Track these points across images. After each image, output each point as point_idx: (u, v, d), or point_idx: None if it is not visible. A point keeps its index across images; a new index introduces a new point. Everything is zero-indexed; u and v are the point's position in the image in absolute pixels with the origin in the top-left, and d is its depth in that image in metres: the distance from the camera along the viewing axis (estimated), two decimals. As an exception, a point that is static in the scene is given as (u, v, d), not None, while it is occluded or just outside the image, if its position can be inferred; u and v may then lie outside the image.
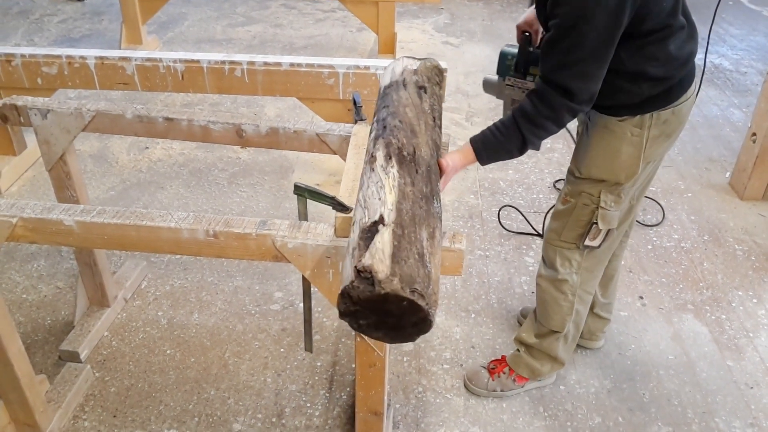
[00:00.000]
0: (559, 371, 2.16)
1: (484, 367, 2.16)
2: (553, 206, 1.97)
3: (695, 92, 1.71)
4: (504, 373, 2.11)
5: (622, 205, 1.80)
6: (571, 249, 1.88)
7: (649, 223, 2.97)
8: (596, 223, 1.78)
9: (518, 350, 2.11)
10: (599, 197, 1.75)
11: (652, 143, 1.67)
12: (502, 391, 2.11)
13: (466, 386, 2.15)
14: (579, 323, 2.05)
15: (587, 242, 1.84)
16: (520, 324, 2.40)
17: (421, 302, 1.04)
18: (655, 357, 2.28)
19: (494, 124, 1.60)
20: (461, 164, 1.59)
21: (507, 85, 1.83)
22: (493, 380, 2.11)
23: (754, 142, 3.08)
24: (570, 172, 1.83)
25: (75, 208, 1.50)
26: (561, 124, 1.55)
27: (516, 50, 1.80)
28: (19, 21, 5.32)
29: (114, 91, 3.75)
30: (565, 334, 2.02)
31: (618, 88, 1.57)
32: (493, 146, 1.59)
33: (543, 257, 1.98)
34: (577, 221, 1.82)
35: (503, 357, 2.16)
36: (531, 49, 1.78)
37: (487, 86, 1.90)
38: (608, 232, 1.82)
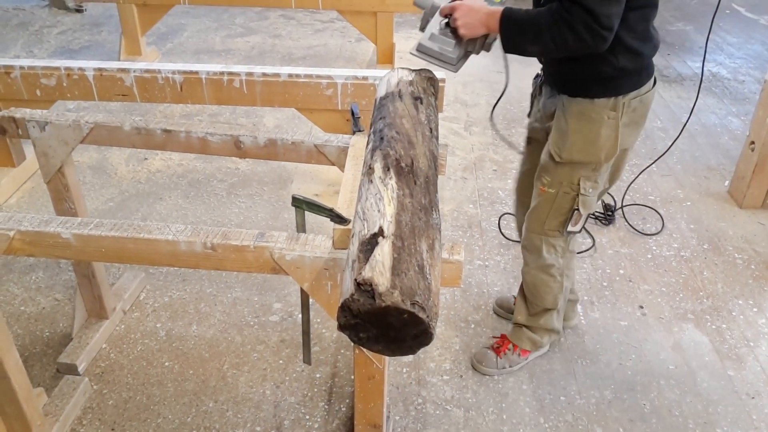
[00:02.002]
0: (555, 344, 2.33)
1: (488, 348, 2.26)
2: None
3: (654, 87, 1.81)
4: (509, 350, 2.23)
5: (599, 190, 1.91)
6: (556, 236, 1.99)
7: (649, 232, 2.97)
8: (578, 210, 1.90)
9: (517, 325, 2.24)
10: (578, 184, 1.86)
11: (623, 129, 1.77)
12: (510, 366, 2.22)
13: (475, 368, 2.24)
14: (566, 294, 2.19)
15: (570, 228, 1.95)
16: (497, 314, 2.50)
17: (421, 315, 1.03)
18: (655, 367, 2.27)
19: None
20: (480, 15, 1.62)
21: None
22: (500, 358, 2.22)
23: (752, 150, 3.08)
24: (549, 158, 1.87)
25: (72, 220, 1.49)
26: (579, 41, 1.53)
27: None
28: (18, 33, 5.34)
29: (113, 103, 3.74)
30: (557, 308, 2.17)
31: (596, 54, 1.62)
32: (519, 19, 1.60)
33: (525, 248, 2.08)
34: (559, 209, 1.92)
35: (503, 335, 2.27)
36: None
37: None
38: (587, 215, 1.95)
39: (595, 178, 1.86)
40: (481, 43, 1.72)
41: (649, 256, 2.82)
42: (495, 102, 2.22)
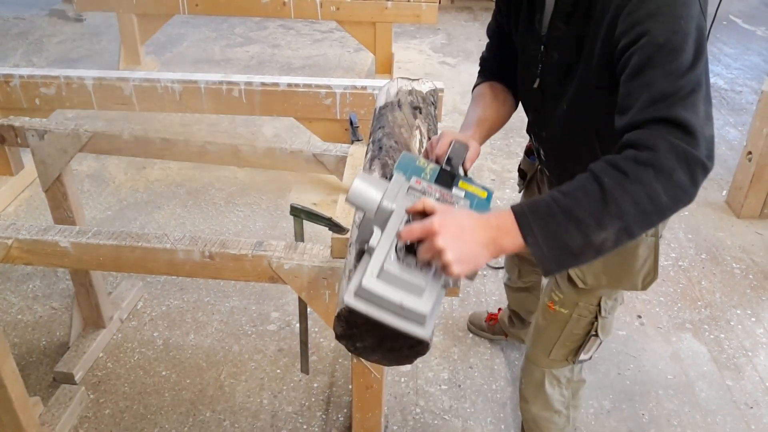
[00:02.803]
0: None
1: None
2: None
3: None
4: None
5: (618, 305, 1.55)
6: (563, 366, 1.62)
7: (647, 242, 2.97)
8: (595, 335, 1.52)
9: None
10: (599, 305, 1.48)
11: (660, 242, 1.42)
12: None
13: None
14: (574, 423, 1.79)
15: (582, 356, 1.58)
16: (470, 330, 2.40)
17: (417, 324, 1.03)
18: (654, 377, 2.27)
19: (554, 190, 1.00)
20: (479, 234, 0.95)
21: (411, 188, 1.07)
22: None
23: (749, 160, 3.09)
24: (567, 279, 1.47)
25: (71, 229, 1.49)
26: (677, 188, 0.95)
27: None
28: (18, 42, 5.35)
29: (112, 112, 3.74)
30: None
31: None
32: (554, 205, 0.96)
33: (523, 381, 1.72)
34: (570, 335, 1.54)
35: None
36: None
37: (365, 190, 1.02)
38: (602, 342, 1.56)
39: (616, 295, 1.51)
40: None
41: (647, 265, 2.82)
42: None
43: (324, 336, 2.40)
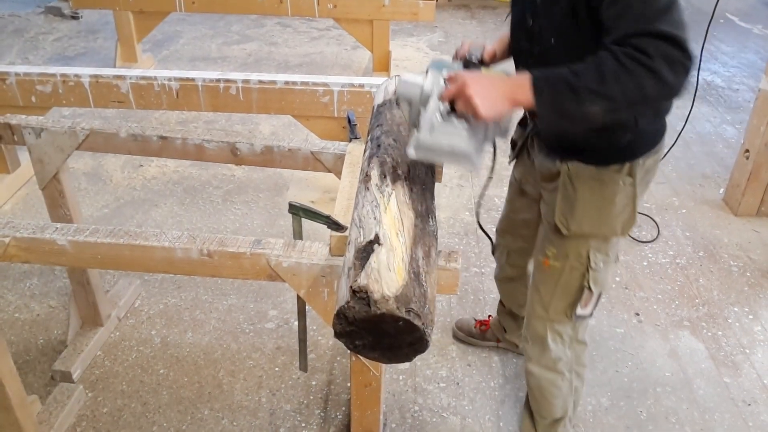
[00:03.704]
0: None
1: None
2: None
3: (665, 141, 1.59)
4: None
5: (611, 265, 1.65)
6: (563, 322, 1.70)
7: (644, 240, 2.97)
8: (588, 287, 1.61)
9: None
10: (588, 257, 1.59)
11: (639, 192, 1.54)
12: None
13: None
14: (578, 400, 1.88)
15: (579, 311, 1.66)
16: (456, 337, 2.37)
17: (417, 322, 1.03)
18: (652, 374, 2.27)
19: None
20: (502, 87, 1.23)
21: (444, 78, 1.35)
22: None
23: (747, 158, 3.10)
24: (554, 229, 1.60)
25: (68, 227, 1.49)
26: (661, 83, 1.15)
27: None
28: (14, 39, 5.33)
29: (109, 110, 3.75)
30: (569, 417, 1.87)
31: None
32: (563, 78, 1.20)
33: (527, 338, 1.78)
34: (566, 288, 1.64)
35: None
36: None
37: (410, 83, 1.35)
38: (599, 296, 1.66)
39: (607, 249, 1.60)
40: (494, 128, 1.37)
41: (645, 263, 2.83)
42: (481, 191, 1.83)
43: (322, 334, 2.40)
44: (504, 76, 1.28)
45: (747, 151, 3.10)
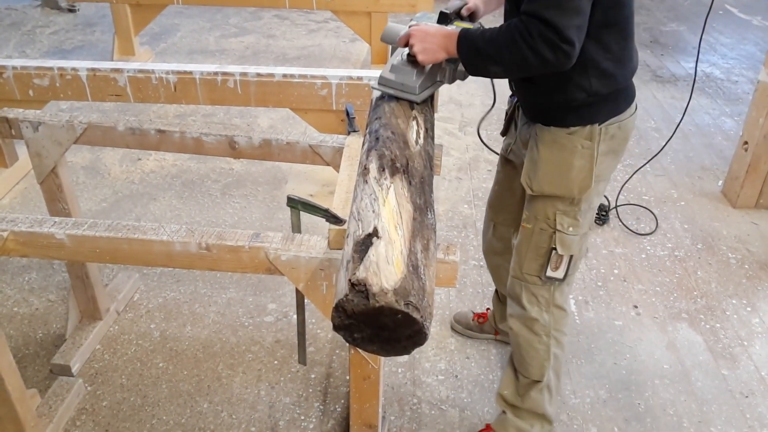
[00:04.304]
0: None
1: None
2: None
3: (635, 112, 1.66)
4: None
5: (582, 230, 1.71)
6: (536, 283, 1.77)
7: (643, 232, 2.98)
8: (555, 249, 1.69)
9: (504, 412, 1.97)
10: (555, 220, 1.68)
11: (601, 159, 1.62)
12: None
13: None
14: (558, 371, 1.91)
15: (549, 273, 1.73)
16: (454, 329, 2.40)
17: (415, 315, 1.03)
18: (650, 366, 2.28)
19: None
20: (437, 38, 1.51)
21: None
22: None
23: (745, 150, 3.10)
24: (522, 190, 1.75)
25: (66, 221, 1.48)
26: (540, 59, 1.37)
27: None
28: (11, 33, 5.31)
29: (106, 103, 3.73)
30: (547, 384, 1.89)
31: (567, 78, 1.51)
32: (477, 39, 1.46)
33: (509, 295, 1.87)
34: (536, 249, 1.73)
35: (488, 426, 2.01)
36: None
37: (392, 29, 1.67)
38: (571, 261, 1.72)
39: (575, 214, 1.68)
40: (452, 72, 1.63)
41: (644, 255, 2.83)
42: (483, 116, 2.04)
43: (321, 327, 2.40)
44: (445, 31, 1.52)
45: (746, 143, 3.10)
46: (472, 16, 1.76)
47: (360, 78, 2.27)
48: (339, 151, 1.82)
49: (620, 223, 3.02)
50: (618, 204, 3.12)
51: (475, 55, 1.47)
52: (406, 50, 1.56)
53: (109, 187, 3.26)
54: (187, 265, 1.48)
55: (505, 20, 1.64)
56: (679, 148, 3.71)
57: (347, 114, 1.91)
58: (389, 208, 1.21)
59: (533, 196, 1.70)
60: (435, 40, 1.51)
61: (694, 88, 2.74)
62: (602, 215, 3.04)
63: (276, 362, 2.26)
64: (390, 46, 1.70)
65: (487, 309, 2.37)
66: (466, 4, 1.75)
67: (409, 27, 1.57)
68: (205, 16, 5.77)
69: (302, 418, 2.06)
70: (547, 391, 1.91)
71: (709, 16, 2.43)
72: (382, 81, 1.59)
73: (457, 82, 1.68)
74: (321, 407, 2.10)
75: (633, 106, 1.64)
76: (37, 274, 2.65)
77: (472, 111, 4.07)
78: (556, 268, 1.73)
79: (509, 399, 1.94)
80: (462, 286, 2.62)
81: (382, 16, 4.25)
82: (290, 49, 5.12)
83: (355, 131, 1.84)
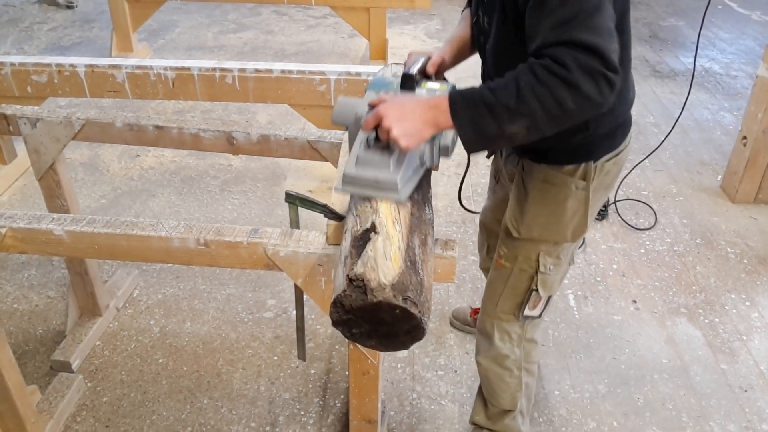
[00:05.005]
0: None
1: None
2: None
3: (630, 141, 1.51)
4: None
5: (562, 268, 1.61)
6: (510, 321, 1.67)
7: (642, 227, 2.98)
8: (536, 290, 1.58)
9: None
10: (538, 261, 1.55)
11: (594, 196, 1.48)
12: None
13: None
14: (530, 395, 1.85)
15: (527, 312, 1.63)
16: (453, 325, 2.38)
17: (413, 310, 1.04)
18: (649, 361, 2.28)
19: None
20: (420, 111, 1.17)
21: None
22: None
23: (744, 145, 3.10)
24: (505, 230, 1.57)
25: (65, 217, 1.48)
26: (582, 97, 1.07)
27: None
28: (8, 29, 5.30)
29: (104, 99, 3.73)
30: (520, 410, 1.83)
31: None
32: (479, 96, 1.13)
33: (478, 329, 1.78)
34: (514, 289, 1.61)
35: None
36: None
37: (344, 108, 1.33)
38: (549, 299, 1.63)
39: (558, 253, 1.55)
40: (435, 150, 1.29)
41: (642, 250, 2.83)
42: (460, 183, 1.81)
43: (320, 322, 2.41)
44: (425, 99, 1.19)
45: (744, 138, 3.10)
46: (439, 74, 1.51)
47: (358, 73, 2.27)
48: (337, 146, 1.82)
49: (619, 218, 3.02)
50: (617, 199, 3.12)
51: (482, 117, 1.12)
52: (371, 133, 1.21)
53: (107, 184, 3.25)
54: (185, 261, 1.48)
55: (483, 80, 1.47)
56: (678, 143, 3.71)
57: (346, 110, 1.90)
58: (387, 203, 1.21)
59: (516, 238, 1.55)
60: (417, 116, 1.17)
61: (693, 83, 2.73)
62: (601, 210, 3.04)
63: (275, 358, 2.27)
64: (349, 131, 1.33)
65: None
66: (429, 58, 1.48)
67: (370, 104, 1.24)
68: (204, 12, 5.76)
69: (302, 413, 2.07)
70: (520, 416, 1.86)
71: (708, 11, 2.43)
72: (349, 180, 1.22)
73: (458, 78, 1.57)
74: (320, 402, 2.10)
75: (628, 137, 1.50)
76: (37, 271, 2.65)
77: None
78: (534, 307, 1.63)
79: (481, 423, 1.89)
80: (461, 281, 2.62)
81: (381, 12, 4.25)
82: (289, 44, 5.11)
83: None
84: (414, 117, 1.17)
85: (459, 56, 1.56)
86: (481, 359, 1.77)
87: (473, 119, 1.13)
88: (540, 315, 1.66)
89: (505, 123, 1.12)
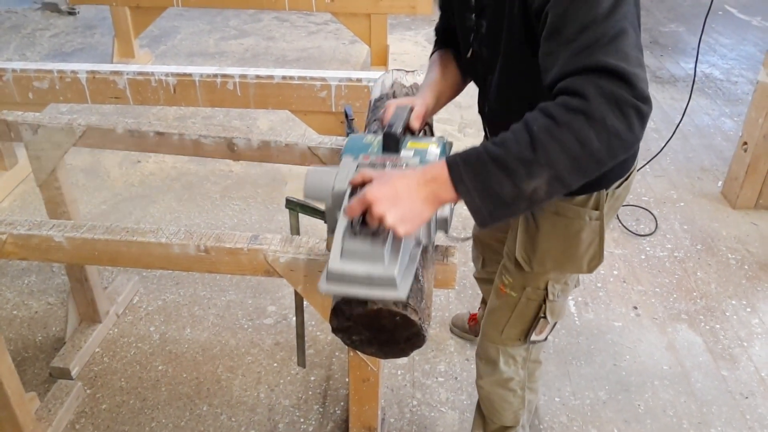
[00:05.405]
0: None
1: None
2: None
3: (636, 162, 1.44)
4: None
5: (570, 290, 1.57)
6: (515, 346, 1.62)
7: (642, 233, 2.97)
8: (545, 317, 1.53)
9: None
10: (546, 289, 1.49)
11: (607, 222, 1.41)
12: None
13: None
14: (532, 409, 1.82)
15: (534, 337, 1.59)
16: (452, 332, 2.36)
17: (413, 317, 1.03)
18: (649, 367, 2.28)
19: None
20: (414, 186, 0.97)
21: (360, 165, 1.12)
22: None
23: (745, 151, 3.10)
24: (513, 262, 1.48)
25: (65, 224, 1.48)
26: (610, 134, 0.90)
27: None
28: (11, 35, 5.31)
29: (106, 106, 3.74)
30: (522, 425, 1.79)
31: None
32: (485, 154, 0.94)
33: (479, 356, 1.70)
34: (521, 317, 1.54)
35: None
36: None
37: (317, 181, 1.09)
38: (556, 323, 1.59)
39: (566, 279, 1.51)
40: (429, 226, 1.09)
41: (643, 256, 2.83)
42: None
43: (321, 329, 2.40)
44: (416, 172, 0.98)
45: (745, 143, 3.10)
46: (423, 125, 1.34)
47: (359, 80, 2.27)
48: (338, 152, 1.82)
49: (620, 224, 3.02)
50: (618, 205, 3.11)
51: (492, 178, 0.93)
52: (357, 218, 0.99)
53: (108, 190, 3.26)
54: (185, 268, 1.48)
55: (481, 113, 1.41)
56: (678, 148, 3.71)
57: (346, 116, 1.91)
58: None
59: (526, 271, 1.48)
60: (414, 194, 0.96)
61: (693, 88, 2.74)
62: (602, 216, 3.03)
63: (275, 365, 2.26)
64: (326, 209, 1.11)
65: (480, 307, 2.36)
66: (412, 109, 1.30)
67: (352, 184, 1.03)
68: (205, 18, 5.78)
69: (302, 420, 2.06)
70: (522, 429, 1.82)
71: (709, 17, 2.43)
72: (335, 277, 0.99)
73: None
74: (320, 410, 2.10)
75: (637, 157, 1.43)
76: (37, 277, 2.65)
77: (472, 113, 4.06)
78: (541, 332, 1.58)
79: None
80: (461, 287, 2.62)
81: (382, 18, 4.26)
82: (290, 51, 5.12)
83: (353, 133, 1.84)
84: (410, 196, 0.96)
85: (440, 101, 1.43)
86: (483, 384, 1.72)
87: (483, 183, 0.93)
88: (545, 338, 1.63)
89: (523, 179, 0.92)
